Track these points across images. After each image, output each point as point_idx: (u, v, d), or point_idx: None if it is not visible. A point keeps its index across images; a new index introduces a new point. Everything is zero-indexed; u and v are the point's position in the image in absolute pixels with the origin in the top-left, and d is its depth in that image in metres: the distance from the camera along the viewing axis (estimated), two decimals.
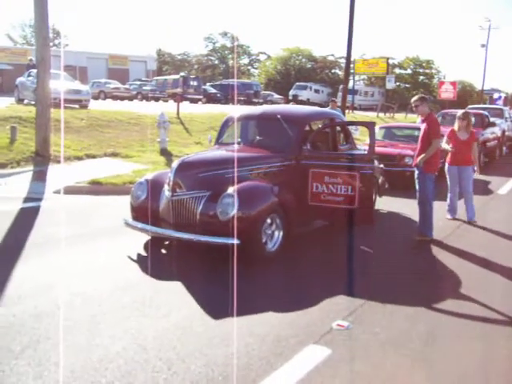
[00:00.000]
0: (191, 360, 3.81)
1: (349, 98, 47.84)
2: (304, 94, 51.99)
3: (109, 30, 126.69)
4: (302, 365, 3.82)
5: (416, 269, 6.38)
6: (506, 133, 20.82)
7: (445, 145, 8.56)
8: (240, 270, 5.70)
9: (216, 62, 74.99)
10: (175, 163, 6.21)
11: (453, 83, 45.71)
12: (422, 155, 7.22)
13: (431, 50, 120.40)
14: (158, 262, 6.01)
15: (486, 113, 19.05)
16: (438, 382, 3.85)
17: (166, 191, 6.26)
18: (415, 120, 28.64)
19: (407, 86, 60.60)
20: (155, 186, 6.57)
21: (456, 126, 8.64)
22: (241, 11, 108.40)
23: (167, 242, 6.78)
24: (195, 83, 36.11)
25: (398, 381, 3.81)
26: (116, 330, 4.26)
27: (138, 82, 36.90)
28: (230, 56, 75.97)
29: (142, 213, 6.45)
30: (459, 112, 9.03)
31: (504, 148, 20.62)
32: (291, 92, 52.44)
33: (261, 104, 43.05)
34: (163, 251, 6.57)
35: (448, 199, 8.78)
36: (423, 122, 7.55)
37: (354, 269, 6.22)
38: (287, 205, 6.46)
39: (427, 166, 7.27)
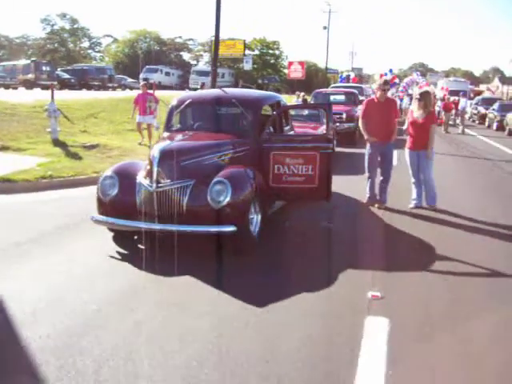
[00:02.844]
0: (287, 356, 3.78)
1: (201, 79, 48.32)
2: (155, 77, 51.07)
3: None
4: (378, 338, 3.98)
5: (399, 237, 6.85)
6: None
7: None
8: (233, 257, 5.72)
9: (56, 45, 70.26)
10: (156, 153, 5.87)
11: (301, 63, 48.10)
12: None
13: (275, 32, 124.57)
14: (148, 257, 5.71)
15: (356, 91, 20.47)
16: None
17: (146, 183, 5.94)
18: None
19: (255, 66, 62.16)
20: (126, 179, 6.21)
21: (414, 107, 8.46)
22: None
23: (136, 237, 6.46)
24: (48, 68, 33.59)
25: (469, 334, 4.15)
26: (182, 334, 4.05)
27: None
28: (70, 39, 71.77)
29: (115, 208, 6.07)
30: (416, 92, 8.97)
31: None
32: (141, 75, 51.32)
33: (115, 88, 41.58)
34: (141, 246, 6.23)
35: (414, 188, 8.48)
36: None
37: (341, 242, 6.52)
38: (261, 188, 6.49)
39: None
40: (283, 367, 3.54)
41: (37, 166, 10.60)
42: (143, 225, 5.88)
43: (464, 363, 3.73)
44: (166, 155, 5.86)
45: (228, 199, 5.73)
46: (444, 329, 4.25)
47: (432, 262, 5.83)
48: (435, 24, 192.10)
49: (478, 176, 12.55)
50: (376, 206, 8.34)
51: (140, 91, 16.02)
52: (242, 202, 5.89)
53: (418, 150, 8.21)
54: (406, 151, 8.48)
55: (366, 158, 8.49)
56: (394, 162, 9.08)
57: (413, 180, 8.46)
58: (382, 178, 8.42)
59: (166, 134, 7.29)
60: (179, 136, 6.88)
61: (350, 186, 9.62)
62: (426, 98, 8.20)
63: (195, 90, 28.06)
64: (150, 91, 16.09)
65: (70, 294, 4.73)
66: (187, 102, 7.51)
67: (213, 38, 49.58)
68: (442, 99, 26.85)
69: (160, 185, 5.81)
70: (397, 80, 33.34)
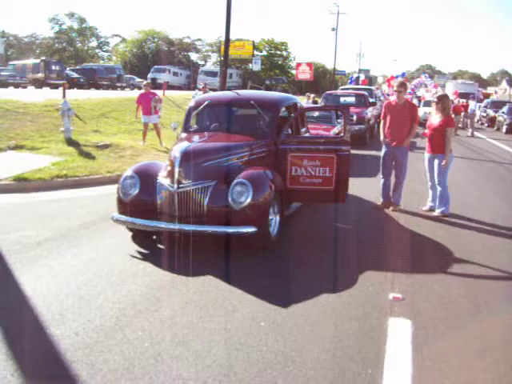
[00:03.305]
0: (314, 357, 3.83)
1: (208, 80, 48.41)
2: (163, 77, 51.25)
3: None
4: (402, 339, 4.03)
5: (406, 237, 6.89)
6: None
7: None
8: (253, 258, 5.76)
9: (64, 44, 70.44)
10: (178, 154, 5.92)
11: (309, 64, 48.15)
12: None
13: (283, 33, 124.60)
14: (168, 258, 5.77)
15: (366, 93, 20.48)
16: None
17: (167, 183, 5.99)
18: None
19: (263, 67, 62.24)
20: (146, 179, 6.26)
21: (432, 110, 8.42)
22: None
23: (155, 237, 6.53)
24: (57, 68, 33.72)
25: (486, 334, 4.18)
26: (209, 333, 4.10)
27: None
28: (78, 39, 71.97)
29: (136, 208, 6.13)
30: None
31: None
32: (150, 75, 51.56)
33: (123, 88, 41.65)
34: (161, 246, 6.29)
35: (430, 191, 8.45)
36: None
37: (358, 244, 6.57)
38: (279, 190, 6.53)
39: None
40: (312, 367, 3.58)
41: (51, 165, 10.71)
42: (163, 225, 5.93)
43: (487, 362, 3.77)
44: (187, 156, 5.91)
45: (249, 200, 5.78)
46: (465, 330, 4.29)
47: (449, 264, 5.87)
48: (442, 26, 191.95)
49: (489, 179, 12.56)
50: (390, 208, 8.36)
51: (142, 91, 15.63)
52: (262, 204, 5.95)
53: (434, 154, 8.12)
54: (425, 155, 8.42)
55: (381, 159, 8.53)
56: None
57: (429, 184, 8.41)
58: (395, 180, 8.45)
59: (184, 135, 7.34)
60: (198, 137, 6.94)
61: (363, 188, 9.66)
62: (444, 102, 8.10)
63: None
64: (156, 91, 16.03)
65: (94, 293, 4.78)
66: (205, 103, 7.55)
67: (221, 39, 49.77)
68: (452, 102, 26.78)
69: (181, 185, 5.87)
70: (407, 83, 33.10)
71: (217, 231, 5.80)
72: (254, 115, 7.35)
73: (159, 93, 25.19)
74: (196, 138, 6.91)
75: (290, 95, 9.34)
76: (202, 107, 7.52)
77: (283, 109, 7.81)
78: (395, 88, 8.40)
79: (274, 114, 7.30)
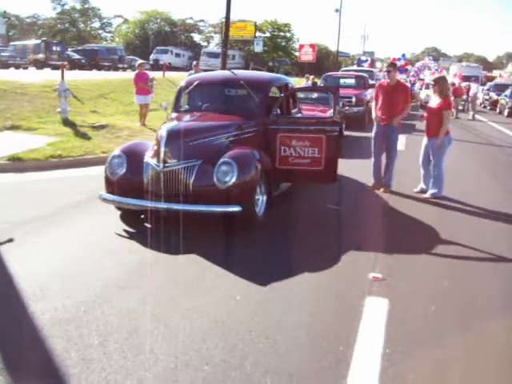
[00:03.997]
0: (289, 333, 3.88)
1: (211, 61, 48.16)
2: (165, 58, 51.07)
3: None
4: (377, 318, 4.07)
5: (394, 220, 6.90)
6: None
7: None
8: (238, 237, 5.79)
9: (66, 25, 70.03)
10: (164, 133, 5.93)
11: (312, 46, 47.78)
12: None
13: (286, 14, 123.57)
14: (154, 236, 5.80)
15: (366, 75, 20.38)
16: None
17: (153, 162, 6.01)
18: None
19: (266, 48, 61.89)
20: (133, 158, 6.28)
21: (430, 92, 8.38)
22: None
23: (143, 216, 6.56)
24: (58, 48, 33.59)
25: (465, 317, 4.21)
26: (186, 310, 4.15)
27: None
28: (81, 19, 71.53)
29: (123, 187, 6.16)
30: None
31: None
32: (152, 56, 51.44)
33: (125, 69, 41.49)
34: (147, 225, 6.32)
35: (422, 171, 8.42)
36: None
37: (345, 225, 6.60)
38: (267, 170, 6.54)
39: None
40: (284, 344, 3.63)
41: (46, 146, 10.72)
42: (149, 204, 5.97)
43: (461, 341, 3.81)
44: (173, 135, 5.92)
45: (234, 180, 5.80)
46: (443, 309, 4.31)
47: (435, 246, 5.88)
48: (448, 8, 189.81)
49: (486, 162, 12.53)
50: (381, 189, 8.37)
51: (137, 71, 15.20)
52: (247, 183, 5.97)
53: (431, 137, 8.01)
54: (424, 139, 8.32)
55: (372, 139, 8.53)
56: (402, 147, 9.05)
57: (421, 166, 8.37)
58: (386, 161, 8.45)
59: (174, 115, 7.34)
60: (187, 117, 6.95)
61: (357, 170, 9.65)
62: (440, 83, 7.97)
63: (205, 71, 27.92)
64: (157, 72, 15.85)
65: (78, 270, 4.84)
66: (196, 82, 7.54)
67: (224, 20, 49.35)
68: (453, 84, 26.61)
69: (167, 165, 5.89)
70: (409, 67, 32.80)
71: (202, 210, 5.82)
72: (244, 95, 7.37)
73: (160, 74, 25.19)
74: (185, 117, 6.92)
75: (280, 75, 9.32)
76: (192, 87, 7.51)
77: (273, 89, 7.80)
78: (384, 68, 8.38)
79: (263, 95, 7.29)
